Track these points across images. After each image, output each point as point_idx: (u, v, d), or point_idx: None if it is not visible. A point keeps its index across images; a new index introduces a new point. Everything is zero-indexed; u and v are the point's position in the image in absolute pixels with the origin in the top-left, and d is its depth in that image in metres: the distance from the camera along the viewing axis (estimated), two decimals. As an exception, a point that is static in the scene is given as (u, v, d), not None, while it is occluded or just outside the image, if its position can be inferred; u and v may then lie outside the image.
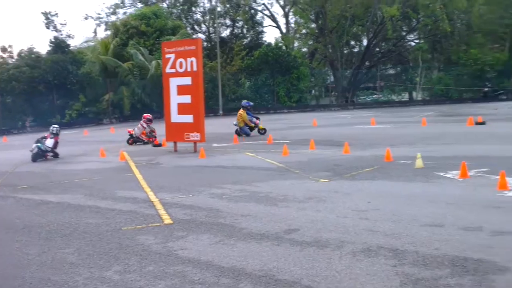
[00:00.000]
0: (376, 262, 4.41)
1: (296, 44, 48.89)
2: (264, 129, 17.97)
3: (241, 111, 17.80)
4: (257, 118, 18.15)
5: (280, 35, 48.58)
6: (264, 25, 51.58)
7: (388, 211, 6.15)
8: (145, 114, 18.10)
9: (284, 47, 41.03)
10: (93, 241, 5.68)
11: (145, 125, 17.47)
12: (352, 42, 46.77)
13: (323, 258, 4.62)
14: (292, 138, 15.93)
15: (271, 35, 58.46)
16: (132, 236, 5.76)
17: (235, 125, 17.93)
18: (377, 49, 44.68)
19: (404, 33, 43.99)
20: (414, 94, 41.74)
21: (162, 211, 6.87)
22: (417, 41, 44.52)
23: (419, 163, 9.06)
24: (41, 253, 5.39)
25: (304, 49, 49.03)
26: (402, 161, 9.89)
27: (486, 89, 36.05)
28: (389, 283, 3.97)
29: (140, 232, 5.91)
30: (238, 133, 17.66)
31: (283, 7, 47.84)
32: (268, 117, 29.15)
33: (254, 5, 49.93)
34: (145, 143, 17.15)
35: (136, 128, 17.63)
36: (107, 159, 13.73)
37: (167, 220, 6.39)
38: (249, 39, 50.16)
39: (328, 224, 5.72)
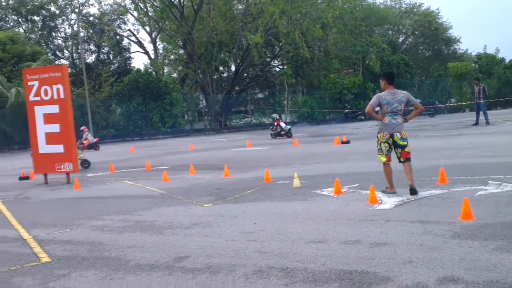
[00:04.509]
0: (269, 283, 4.50)
1: (166, 69, 48.78)
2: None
3: None
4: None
5: (149, 61, 48.21)
6: (131, 51, 50.82)
7: (274, 231, 6.34)
8: None
9: (154, 73, 40.72)
10: (-40, 290, 5.09)
11: None
12: (221, 68, 47.91)
13: (216, 283, 4.61)
14: (170, 164, 15.78)
15: (139, 61, 57.87)
16: (6, 279, 5.25)
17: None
18: (245, 74, 46.28)
19: (269, 59, 46.13)
20: (283, 116, 43.80)
21: (38, 249, 6.37)
22: (281, 66, 46.97)
23: (296, 182, 9.50)
24: None
25: (175, 75, 49.11)
26: (281, 182, 10.28)
27: (346, 110, 39.07)
28: (285, 301, 4.09)
29: (15, 274, 5.41)
30: None
31: (149, 34, 47.57)
32: (143, 144, 28.63)
33: (119, 31, 49.05)
34: None
35: None
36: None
37: (45, 258, 5.94)
38: (116, 65, 49.04)
39: (218, 249, 5.73)
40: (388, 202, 7.44)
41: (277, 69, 47.98)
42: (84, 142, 25.13)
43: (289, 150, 17.96)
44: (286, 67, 44.88)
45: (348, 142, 18.20)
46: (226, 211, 7.84)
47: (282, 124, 25.75)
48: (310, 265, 4.86)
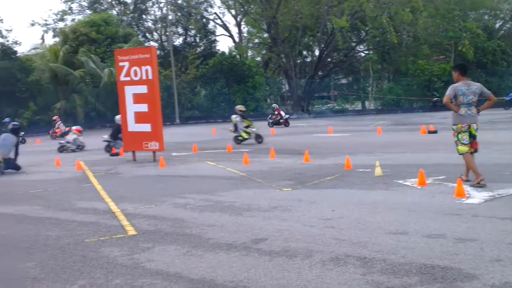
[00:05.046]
0: (346, 271, 4.45)
1: (250, 53, 49.16)
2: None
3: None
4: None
5: (233, 44, 48.82)
6: (217, 34, 51.67)
7: (352, 219, 6.25)
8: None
9: (238, 56, 41.21)
10: (55, 254, 5.48)
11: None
12: (305, 52, 47.50)
13: (293, 268, 4.62)
14: (251, 147, 15.98)
15: (224, 44, 58.75)
16: (96, 249, 5.59)
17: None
18: (329, 59, 45.58)
19: (354, 44, 45.06)
20: (366, 103, 42.78)
21: (125, 222, 6.72)
22: (366, 52, 45.72)
23: (378, 171, 9.27)
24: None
25: (258, 58, 49.38)
26: (361, 169, 10.09)
27: (435, 99, 37.39)
28: (361, 291, 4.02)
29: (104, 244, 5.75)
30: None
31: (235, 17, 48.10)
32: (226, 126, 29.12)
33: (205, 14, 49.99)
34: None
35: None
36: (63, 169, 13.37)
37: (131, 231, 6.25)
38: (202, 47, 50.10)
39: (295, 233, 5.74)
40: (476, 196, 7.07)
41: (362, 54, 46.80)
42: (57, 131, 26.73)
43: (371, 137, 17.56)
44: (371, 52, 43.64)
45: (435, 132, 17.45)
46: (305, 196, 7.82)
47: (282, 113, 26.58)
48: (390, 257, 4.74)
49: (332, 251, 5.02)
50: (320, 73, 44.84)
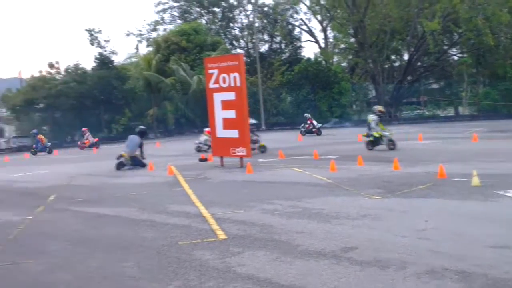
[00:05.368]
0: (443, 285, 4.26)
1: (335, 58, 48.62)
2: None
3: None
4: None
5: (319, 49, 48.57)
6: (302, 40, 51.67)
7: (448, 230, 5.97)
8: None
9: (323, 62, 40.92)
10: (151, 255, 5.74)
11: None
12: (393, 57, 46.16)
13: (386, 279, 4.50)
14: (338, 154, 15.75)
15: (310, 50, 58.66)
16: (189, 251, 5.78)
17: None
18: (419, 64, 43.91)
19: (446, 47, 43.10)
20: (460, 109, 40.73)
21: (215, 226, 6.89)
22: (460, 55, 43.56)
23: (475, 181, 8.76)
24: (101, 266, 5.48)
25: (344, 64, 48.70)
26: (456, 179, 9.58)
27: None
28: (461, 307, 3.83)
29: (196, 247, 5.93)
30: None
31: (320, 22, 47.82)
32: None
33: (291, 20, 50.14)
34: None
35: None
36: (156, 173, 13.98)
37: (221, 235, 6.40)
38: (288, 54, 50.31)
39: (387, 243, 5.58)
40: None
41: (455, 57, 44.61)
42: (86, 142, 27.49)
43: (466, 145, 16.67)
44: (465, 55, 41.49)
45: (538, 140, 16.20)
46: (395, 205, 7.59)
47: (314, 122, 26.82)
48: (491, 271, 4.48)
49: (427, 263, 4.83)
50: (409, 78, 43.30)
